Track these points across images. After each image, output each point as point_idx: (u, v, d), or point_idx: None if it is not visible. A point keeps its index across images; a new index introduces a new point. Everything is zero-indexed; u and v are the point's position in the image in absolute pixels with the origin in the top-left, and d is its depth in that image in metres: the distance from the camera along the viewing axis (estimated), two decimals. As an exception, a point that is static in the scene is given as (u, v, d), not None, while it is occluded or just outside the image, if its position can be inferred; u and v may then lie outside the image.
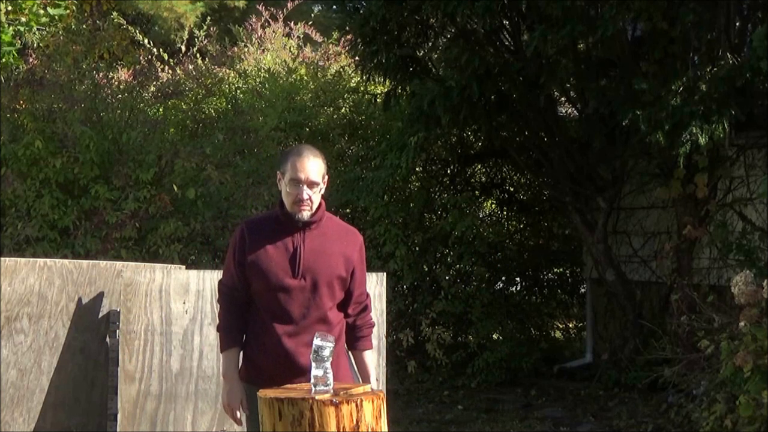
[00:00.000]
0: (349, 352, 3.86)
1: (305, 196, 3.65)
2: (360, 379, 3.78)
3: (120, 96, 9.68)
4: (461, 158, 9.92)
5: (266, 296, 3.64)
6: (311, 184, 3.66)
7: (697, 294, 7.16)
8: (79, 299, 4.69)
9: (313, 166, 3.67)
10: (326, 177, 3.73)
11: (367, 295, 3.89)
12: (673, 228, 8.08)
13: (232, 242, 3.79)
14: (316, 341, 3.23)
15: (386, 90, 8.83)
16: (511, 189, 10.49)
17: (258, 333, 3.66)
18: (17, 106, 9.38)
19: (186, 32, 11.76)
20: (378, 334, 4.92)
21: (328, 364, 3.21)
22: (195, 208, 8.92)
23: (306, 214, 3.68)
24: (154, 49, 10.65)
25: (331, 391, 3.20)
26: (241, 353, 3.73)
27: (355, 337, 3.82)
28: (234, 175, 9.10)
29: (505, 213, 10.61)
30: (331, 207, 6.33)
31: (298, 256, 3.65)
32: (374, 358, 3.99)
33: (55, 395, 4.63)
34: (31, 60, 10.28)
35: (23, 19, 9.55)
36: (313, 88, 9.91)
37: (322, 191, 3.72)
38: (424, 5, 7.77)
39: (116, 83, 10.00)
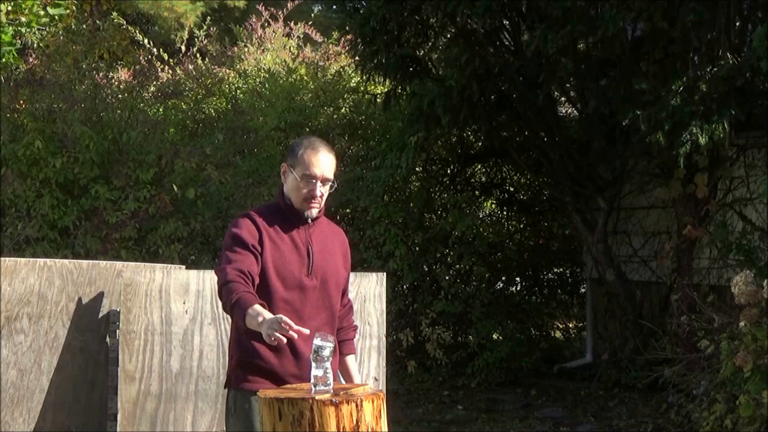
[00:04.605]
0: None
1: (319, 193, 3.51)
2: (343, 382, 3.65)
3: (120, 96, 9.69)
4: (461, 158, 9.92)
5: (280, 295, 3.44)
6: (325, 181, 3.52)
7: (697, 294, 7.17)
8: (79, 299, 4.68)
9: (327, 162, 3.52)
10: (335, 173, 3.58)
11: (349, 298, 3.80)
12: (673, 228, 8.07)
13: (240, 229, 3.46)
14: (316, 341, 3.22)
15: (386, 90, 8.83)
16: (511, 189, 10.49)
17: None
18: (17, 106, 9.39)
19: (186, 32, 11.75)
20: (378, 334, 4.93)
21: (328, 364, 3.20)
22: (195, 208, 8.93)
23: (315, 212, 3.54)
24: (154, 49, 10.66)
25: (331, 391, 3.20)
26: (237, 358, 3.52)
27: (338, 340, 3.61)
28: (234, 175, 9.11)
29: (505, 213, 10.61)
30: (331, 207, 6.32)
31: (311, 254, 3.51)
32: (357, 364, 3.84)
33: (55, 395, 4.62)
34: (31, 60, 10.29)
35: (23, 19, 9.55)
36: (313, 88, 9.91)
37: (333, 188, 3.59)
38: (424, 5, 7.77)
39: (116, 83, 10.01)
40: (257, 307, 3.25)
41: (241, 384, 3.49)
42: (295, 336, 3.13)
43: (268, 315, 3.22)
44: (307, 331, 3.17)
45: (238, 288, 3.32)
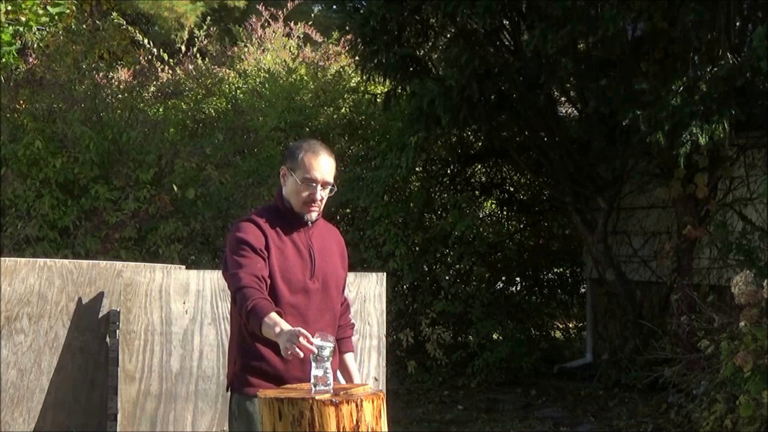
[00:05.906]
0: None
1: (319, 197, 3.51)
2: (344, 382, 3.67)
3: (120, 96, 9.69)
4: (461, 158, 9.92)
5: (286, 299, 3.44)
6: (325, 184, 3.52)
7: (697, 294, 7.17)
8: (79, 299, 4.69)
9: (327, 166, 3.52)
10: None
11: (346, 297, 3.81)
12: (673, 228, 8.08)
13: (246, 234, 3.44)
14: (317, 341, 3.22)
15: (386, 90, 8.83)
16: (511, 189, 10.49)
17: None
18: (17, 106, 9.39)
19: (186, 32, 11.73)
20: (378, 334, 4.93)
21: (328, 364, 3.20)
22: (195, 208, 8.93)
23: (314, 215, 3.55)
24: (154, 49, 10.65)
25: (331, 391, 3.20)
26: (241, 362, 3.50)
27: (336, 338, 3.60)
28: (234, 175, 9.11)
29: (505, 213, 10.61)
30: (331, 207, 6.31)
31: (312, 257, 3.52)
32: (356, 363, 3.86)
33: (55, 395, 4.62)
34: (31, 60, 10.28)
35: (23, 19, 9.54)
36: (313, 88, 9.90)
37: (333, 192, 3.59)
38: (424, 5, 7.77)
39: (116, 83, 10.01)
40: (273, 315, 3.25)
41: (245, 388, 3.47)
42: (315, 351, 3.12)
43: (285, 326, 3.21)
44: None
45: (253, 294, 3.31)
